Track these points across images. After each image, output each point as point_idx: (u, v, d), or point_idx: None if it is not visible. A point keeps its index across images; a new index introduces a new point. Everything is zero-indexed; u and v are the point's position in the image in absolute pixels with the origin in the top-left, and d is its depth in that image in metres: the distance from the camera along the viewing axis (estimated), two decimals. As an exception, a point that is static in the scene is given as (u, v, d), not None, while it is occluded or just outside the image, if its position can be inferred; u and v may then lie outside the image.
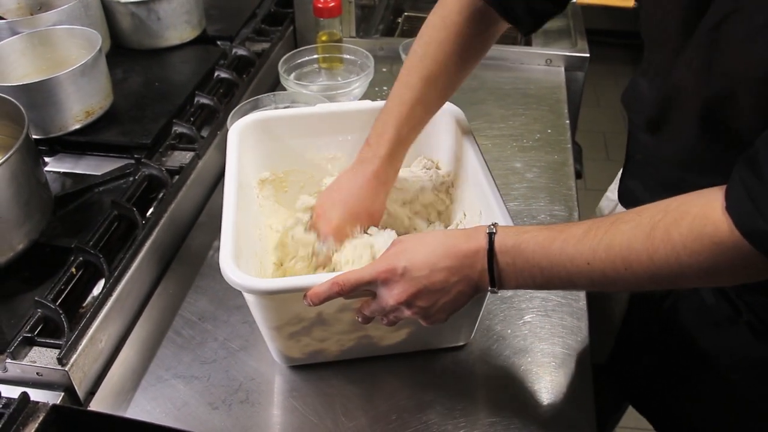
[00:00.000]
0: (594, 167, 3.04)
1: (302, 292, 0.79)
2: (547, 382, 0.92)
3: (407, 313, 0.78)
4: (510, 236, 0.73)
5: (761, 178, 0.60)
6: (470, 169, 1.00)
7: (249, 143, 1.05)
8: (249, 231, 0.97)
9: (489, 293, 0.77)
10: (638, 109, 0.90)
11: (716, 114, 0.75)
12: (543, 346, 0.96)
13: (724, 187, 0.64)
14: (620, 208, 1.07)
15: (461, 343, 0.96)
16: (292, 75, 1.47)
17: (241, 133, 1.05)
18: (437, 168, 1.12)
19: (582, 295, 1.04)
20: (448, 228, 1.07)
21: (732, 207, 0.61)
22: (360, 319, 0.82)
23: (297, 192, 1.12)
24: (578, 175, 1.36)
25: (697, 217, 0.63)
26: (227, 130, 1.25)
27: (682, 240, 0.63)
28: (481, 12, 0.93)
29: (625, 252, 0.66)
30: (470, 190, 1.01)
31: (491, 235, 0.74)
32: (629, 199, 0.99)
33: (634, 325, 1.07)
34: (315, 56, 1.53)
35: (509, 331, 0.99)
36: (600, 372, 0.95)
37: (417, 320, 0.80)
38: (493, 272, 0.74)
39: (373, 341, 0.92)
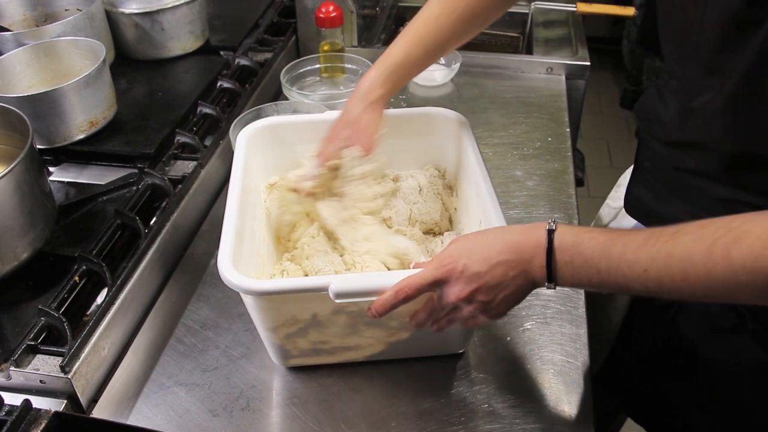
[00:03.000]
0: (597, 175, 3.05)
1: (297, 293, 0.80)
2: (547, 390, 0.92)
3: (467, 310, 0.78)
4: (570, 235, 0.73)
5: None
6: (471, 177, 1.01)
7: (257, 148, 1.07)
8: (253, 234, 0.98)
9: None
10: (656, 123, 0.90)
11: (749, 139, 0.75)
12: (542, 353, 0.97)
13: None
14: (622, 215, 1.07)
15: (457, 352, 0.97)
16: (295, 85, 1.48)
17: (250, 138, 1.06)
18: (443, 177, 1.13)
19: (581, 302, 1.04)
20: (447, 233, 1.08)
21: None
22: (413, 323, 0.83)
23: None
24: (580, 182, 1.37)
25: (759, 239, 0.62)
26: (230, 140, 1.27)
27: (741, 259, 0.63)
28: None
29: (683, 264, 0.66)
30: (471, 199, 1.02)
31: (551, 232, 0.74)
32: (636, 205, 0.99)
33: (633, 332, 1.07)
34: (317, 66, 1.54)
35: (509, 338, 0.99)
36: (595, 381, 0.95)
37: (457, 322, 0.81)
38: (551, 268, 0.74)
39: (369, 346, 0.92)
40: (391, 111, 1.12)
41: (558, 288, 0.76)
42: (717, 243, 0.64)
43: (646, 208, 0.96)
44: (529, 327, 1.01)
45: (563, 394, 0.91)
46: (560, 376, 0.94)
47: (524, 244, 0.75)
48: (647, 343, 1.05)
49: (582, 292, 1.05)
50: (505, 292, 0.77)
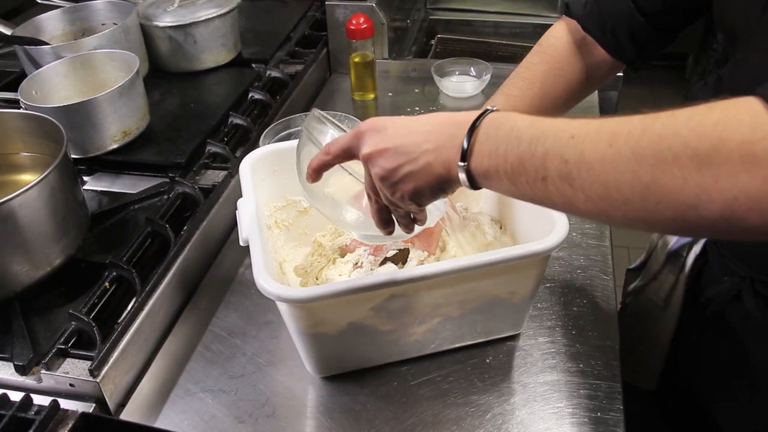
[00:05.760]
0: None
1: (335, 297, 0.81)
2: (576, 401, 0.90)
3: (373, 172, 0.71)
4: (506, 111, 0.65)
5: None
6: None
7: (260, 175, 1.05)
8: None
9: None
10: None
11: None
12: (570, 364, 0.95)
13: None
14: None
15: (510, 333, 0.98)
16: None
17: (253, 165, 1.05)
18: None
19: (613, 314, 1.02)
20: None
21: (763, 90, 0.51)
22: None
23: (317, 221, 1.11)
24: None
25: (719, 104, 0.52)
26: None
27: (688, 112, 0.53)
28: (583, 40, 0.89)
29: (619, 126, 0.55)
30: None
31: (488, 111, 0.65)
32: None
33: (683, 345, 1.05)
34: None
35: (537, 348, 0.98)
36: (650, 399, 0.93)
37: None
38: (469, 142, 0.64)
39: (411, 340, 0.94)
40: None
41: (479, 189, 0.66)
42: (659, 115, 0.54)
43: None
44: (558, 338, 0.99)
45: (593, 406, 0.89)
46: (590, 388, 0.92)
47: (454, 119, 0.67)
48: (696, 355, 1.02)
49: (613, 303, 1.04)
50: (410, 166, 0.67)
